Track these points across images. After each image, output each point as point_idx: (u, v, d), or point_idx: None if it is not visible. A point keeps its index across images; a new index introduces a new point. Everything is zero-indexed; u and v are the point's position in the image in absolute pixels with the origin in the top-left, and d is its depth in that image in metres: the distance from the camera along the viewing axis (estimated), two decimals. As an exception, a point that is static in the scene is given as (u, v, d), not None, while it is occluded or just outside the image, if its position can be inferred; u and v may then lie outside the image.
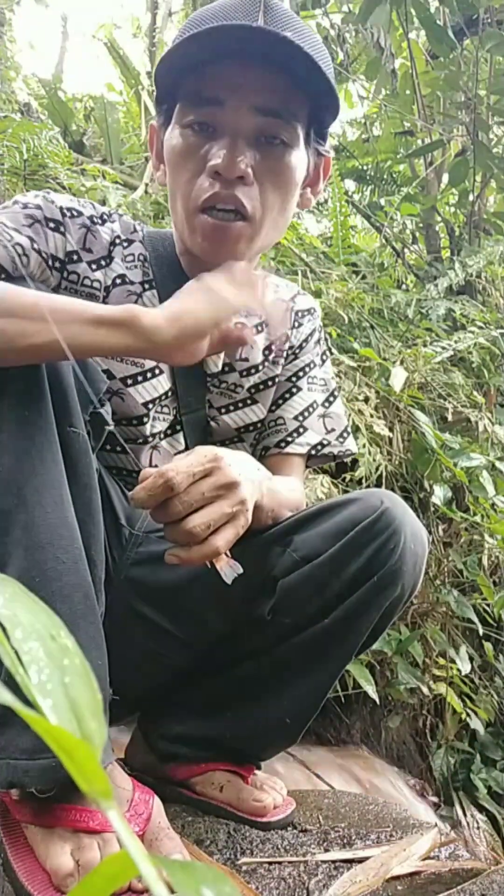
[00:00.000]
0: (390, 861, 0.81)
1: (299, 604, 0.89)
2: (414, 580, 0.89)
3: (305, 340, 1.09)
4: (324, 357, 1.12)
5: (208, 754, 0.97)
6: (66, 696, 0.21)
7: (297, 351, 1.08)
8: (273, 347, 1.05)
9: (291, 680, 0.93)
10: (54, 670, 0.21)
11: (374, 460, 2.00)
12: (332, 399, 1.11)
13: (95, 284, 0.91)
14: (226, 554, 0.75)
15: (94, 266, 0.91)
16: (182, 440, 0.99)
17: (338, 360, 2.06)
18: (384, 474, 2.03)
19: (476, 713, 2.06)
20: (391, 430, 2.11)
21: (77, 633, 0.70)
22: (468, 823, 1.98)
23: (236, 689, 0.96)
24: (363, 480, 1.95)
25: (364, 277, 2.57)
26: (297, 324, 1.08)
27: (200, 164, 0.84)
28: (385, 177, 3.37)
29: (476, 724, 2.04)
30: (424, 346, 2.30)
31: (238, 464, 0.77)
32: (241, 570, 0.75)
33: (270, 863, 0.81)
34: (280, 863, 0.81)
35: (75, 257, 0.89)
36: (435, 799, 1.98)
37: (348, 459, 1.14)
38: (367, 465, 1.95)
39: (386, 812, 1.02)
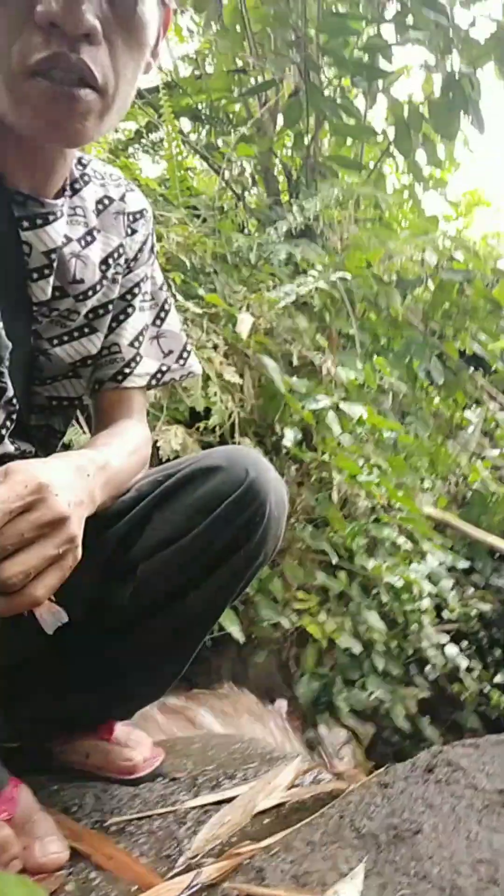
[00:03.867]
0: (257, 797, 0.84)
1: (161, 586, 0.86)
2: (276, 544, 0.88)
3: (140, 250, 0.92)
4: (153, 264, 0.97)
5: (69, 727, 0.94)
6: None
7: (132, 263, 0.92)
8: (110, 261, 0.88)
9: (156, 654, 0.91)
10: None
11: (227, 408, 2.00)
12: (163, 315, 0.97)
13: None
14: (49, 598, 0.65)
15: None
16: (8, 383, 0.81)
17: (183, 306, 2.02)
18: (237, 421, 2.05)
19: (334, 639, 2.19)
20: (241, 376, 2.12)
21: None
22: (332, 742, 2.13)
23: (97, 668, 0.91)
24: (216, 429, 1.96)
25: (205, 221, 2.52)
26: (129, 230, 0.91)
27: (23, 11, 0.62)
28: (220, 116, 3.29)
29: (345, 641, 2.15)
30: (268, 291, 2.31)
31: (67, 488, 0.65)
32: (65, 619, 0.66)
33: (140, 818, 0.82)
34: (150, 817, 0.82)
35: None
36: (300, 724, 2.10)
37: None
38: (221, 414, 1.96)
39: (252, 749, 1.06)
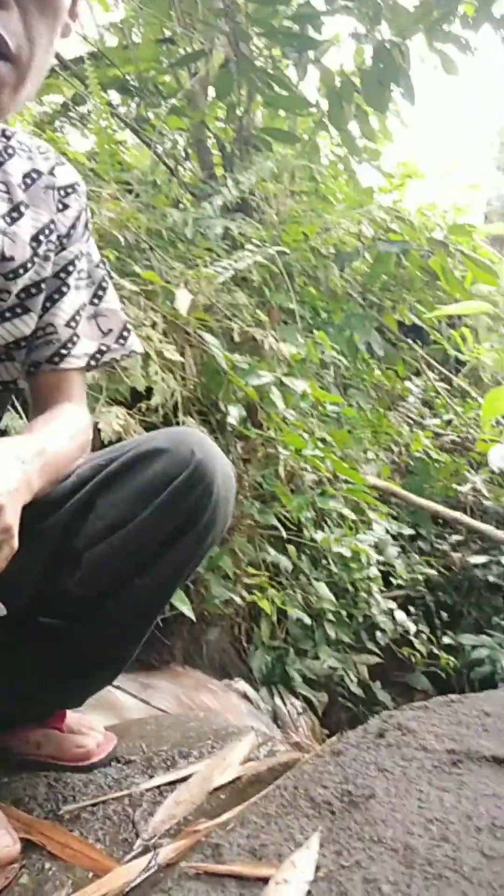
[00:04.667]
0: (212, 773, 0.84)
1: (109, 573, 0.83)
2: (224, 524, 0.87)
3: (73, 226, 0.89)
4: (89, 241, 0.94)
5: (19, 719, 0.92)
6: None
7: (65, 240, 0.88)
8: (41, 238, 0.84)
9: (107, 640, 0.89)
10: None
11: (169, 387, 1.98)
12: (101, 293, 0.94)
13: None
14: None
15: None
16: None
17: (119, 284, 1.98)
18: (180, 400, 2.02)
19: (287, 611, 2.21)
20: (182, 354, 2.09)
21: None
22: (288, 712, 2.16)
23: (47, 659, 0.89)
24: (159, 409, 1.93)
25: (138, 196, 2.47)
26: (61, 205, 0.87)
27: None
28: (150, 88, 3.20)
29: (296, 613, 2.18)
30: (206, 266, 2.28)
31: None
32: (3, 612, 0.65)
33: (94, 804, 0.81)
34: (104, 802, 0.81)
35: None
36: (256, 697, 2.13)
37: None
38: (162, 393, 1.93)
39: (206, 726, 1.06)
